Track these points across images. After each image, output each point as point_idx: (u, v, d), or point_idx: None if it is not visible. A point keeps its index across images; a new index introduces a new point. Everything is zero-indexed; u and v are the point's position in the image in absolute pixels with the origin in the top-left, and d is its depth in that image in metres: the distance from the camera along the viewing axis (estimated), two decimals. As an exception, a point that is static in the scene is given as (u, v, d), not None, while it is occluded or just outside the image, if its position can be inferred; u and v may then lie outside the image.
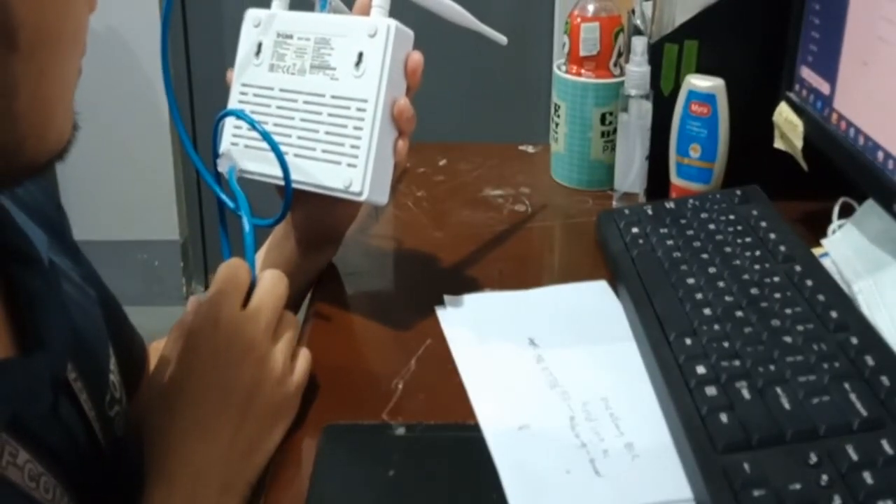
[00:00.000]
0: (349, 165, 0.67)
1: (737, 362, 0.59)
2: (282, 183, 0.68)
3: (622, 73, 0.93)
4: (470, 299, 0.74)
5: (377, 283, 0.83)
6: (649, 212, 0.82)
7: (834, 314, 0.62)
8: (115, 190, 2.44)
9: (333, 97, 0.68)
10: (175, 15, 2.38)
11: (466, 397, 0.62)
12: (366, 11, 0.70)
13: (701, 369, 0.59)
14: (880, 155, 0.69)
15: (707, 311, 0.65)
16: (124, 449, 0.61)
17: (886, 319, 0.65)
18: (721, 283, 0.68)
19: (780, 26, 0.85)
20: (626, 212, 0.83)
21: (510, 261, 0.83)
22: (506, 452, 0.56)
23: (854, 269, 0.71)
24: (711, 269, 0.70)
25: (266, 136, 0.67)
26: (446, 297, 0.74)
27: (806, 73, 0.82)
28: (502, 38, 0.79)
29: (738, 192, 0.82)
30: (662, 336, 0.64)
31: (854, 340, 0.59)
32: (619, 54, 0.94)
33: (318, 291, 0.79)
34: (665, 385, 0.59)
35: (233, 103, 0.72)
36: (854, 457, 0.50)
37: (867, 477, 0.49)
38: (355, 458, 0.58)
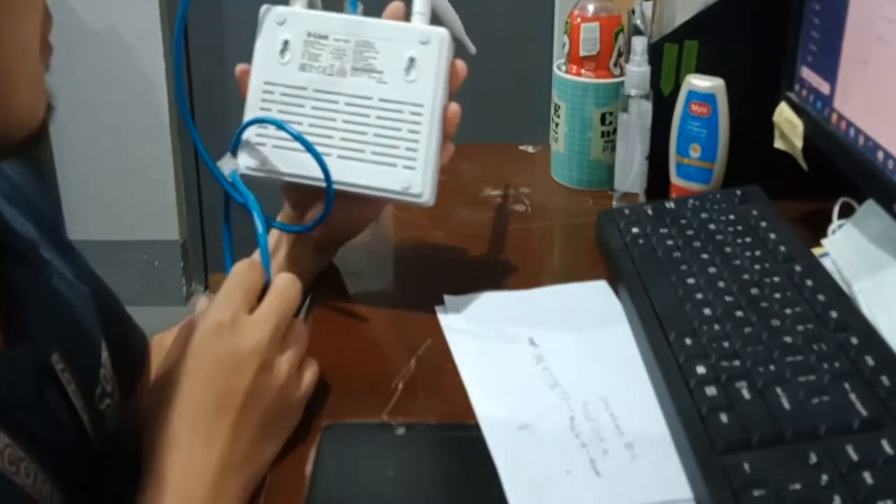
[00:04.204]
0: (406, 168, 0.68)
1: (737, 362, 0.59)
2: (315, 184, 0.68)
3: (622, 73, 0.93)
4: (470, 299, 0.74)
5: (377, 283, 0.83)
6: (649, 212, 0.81)
7: (834, 314, 0.62)
8: (115, 190, 2.44)
9: (382, 100, 0.69)
10: (174, 15, 2.37)
11: (466, 397, 0.62)
12: (398, 16, 0.71)
13: (701, 369, 0.59)
14: (880, 155, 0.69)
15: (707, 311, 0.65)
16: (116, 443, 0.61)
17: (886, 319, 0.65)
18: (721, 283, 0.68)
19: (779, 26, 0.85)
20: (626, 212, 0.83)
21: (510, 261, 0.83)
22: (506, 452, 0.56)
23: (854, 269, 0.71)
24: (711, 269, 0.70)
25: (308, 146, 0.67)
26: (446, 297, 0.74)
27: (806, 73, 0.82)
28: (472, 48, 0.79)
29: (738, 192, 0.82)
30: (662, 336, 0.64)
31: (854, 340, 0.59)
32: (619, 54, 0.94)
33: (318, 291, 0.79)
34: (665, 385, 0.59)
35: (254, 102, 0.71)
36: (854, 457, 0.50)
37: (867, 477, 0.49)
38: (355, 458, 0.58)
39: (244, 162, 0.70)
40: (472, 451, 0.57)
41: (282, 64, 0.70)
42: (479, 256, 0.84)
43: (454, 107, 0.70)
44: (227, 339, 0.57)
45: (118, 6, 2.28)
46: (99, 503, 0.58)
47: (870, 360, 0.57)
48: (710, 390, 0.57)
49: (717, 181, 0.87)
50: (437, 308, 0.73)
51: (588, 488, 0.53)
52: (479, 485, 0.54)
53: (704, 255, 0.73)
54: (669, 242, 0.75)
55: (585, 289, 0.76)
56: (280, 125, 0.68)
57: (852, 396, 0.54)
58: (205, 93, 2.44)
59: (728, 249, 0.73)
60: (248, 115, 0.71)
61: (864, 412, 0.53)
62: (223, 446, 0.55)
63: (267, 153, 0.70)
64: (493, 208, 0.94)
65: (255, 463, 0.57)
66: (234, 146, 0.71)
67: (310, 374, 0.61)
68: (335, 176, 0.68)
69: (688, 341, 0.62)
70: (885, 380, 0.55)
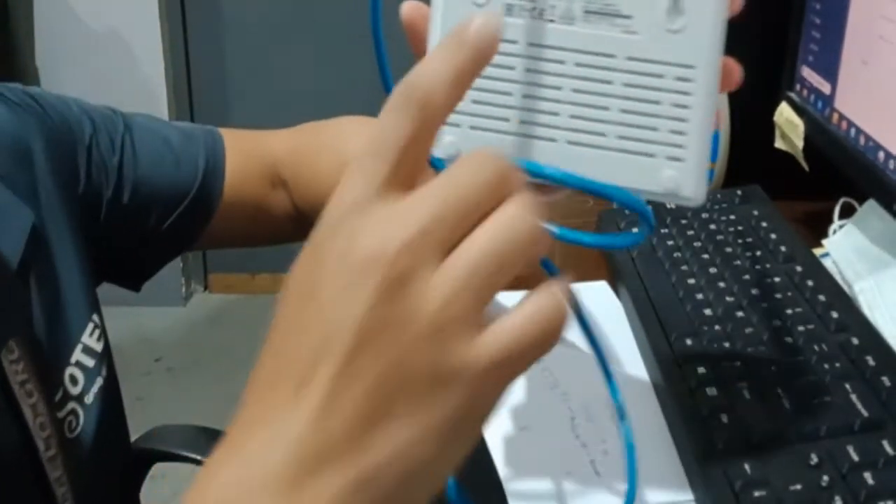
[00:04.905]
0: (671, 159, 0.46)
1: (737, 363, 0.59)
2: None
3: (622, 73, 0.93)
4: (470, 300, 0.74)
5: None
6: (650, 212, 0.81)
7: (835, 314, 0.62)
8: (115, 190, 2.44)
9: (632, 59, 0.46)
10: (174, 15, 2.37)
11: (466, 398, 0.62)
12: None
13: (701, 370, 0.59)
14: (881, 155, 0.68)
15: (708, 312, 0.65)
16: (83, 455, 0.57)
17: (887, 319, 0.65)
18: (722, 284, 0.68)
19: (780, 25, 0.84)
20: (627, 212, 0.82)
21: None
22: (506, 453, 0.56)
23: (855, 270, 0.71)
24: (712, 270, 0.70)
25: (559, 178, 0.45)
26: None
27: (807, 73, 0.81)
28: None
29: (739, 193, 0.82)
30: (663, 336, 0.64)
31: (855, 341, 0.59)
32: (620, 54, 0.94)
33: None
34: (665, 385, 0.59)
35: None
36: (855, 457, 0.50)
37: (868, 477, 0.48)
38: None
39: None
40: (471, 452, 0.57)
41: (476, 5, 0.47)
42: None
43: (731, 61, 0.47)
44: (348, 227, 0.31)
45: (118, 6, 2.28)
46: None
47: (870, 361, 0.57)
48: (711, 391, 0.56)
49: (717, 181, 0.87)
50: (437, 308, 0.73)
51: (588, 489, 0.53)
52: (479, 487, 0.54)
53: (705, 256, 0.72)
54: (670, 243, 0.75)
55: (586, 290, 0.76)
56: (541, 171, 0.44)
57: (853, 397, 0.54)
58: (205, 93, 2.44)
59: (729, 250, 0.73)
60: None
61: (864, 412, 0.53)
62: (308, 420, 0.31)
63: (471, 137, 0.47)
64: (493, 208, 0.93)
65: (363, 455, 0.32)
66: None
67: (520, 320, 0.35)
68: (561, 165, 0.45)
69: (688, 342, 0.62)
70: (885, 380, 0.55)
